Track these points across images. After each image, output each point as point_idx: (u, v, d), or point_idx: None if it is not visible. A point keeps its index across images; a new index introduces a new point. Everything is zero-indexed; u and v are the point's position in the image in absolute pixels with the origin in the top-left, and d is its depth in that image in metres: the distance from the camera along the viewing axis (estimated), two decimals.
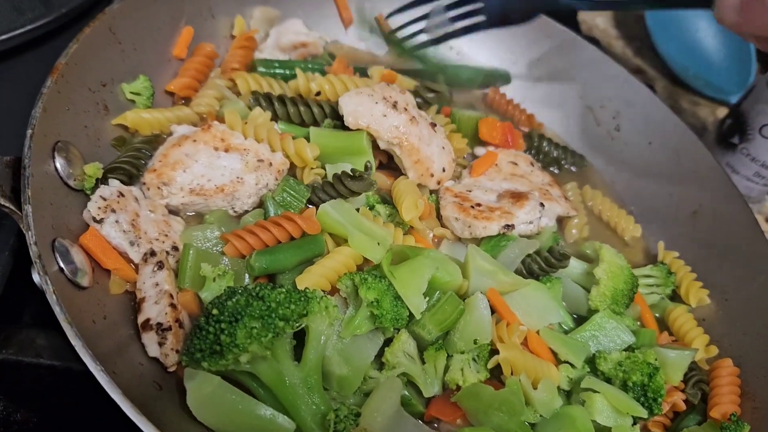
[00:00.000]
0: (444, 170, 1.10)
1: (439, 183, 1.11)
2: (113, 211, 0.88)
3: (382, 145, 1.09)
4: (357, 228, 0.96)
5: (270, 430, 0.79)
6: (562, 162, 1.34)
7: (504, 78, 1.43)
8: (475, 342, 0.91)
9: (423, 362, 0.91)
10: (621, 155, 1.37)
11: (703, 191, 1.26)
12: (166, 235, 0.92)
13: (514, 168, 1.21)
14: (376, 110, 1.07)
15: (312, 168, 1.06)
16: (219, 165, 1.00)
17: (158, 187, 0.96)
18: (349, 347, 0.86)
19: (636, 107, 1.36)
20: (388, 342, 0.90)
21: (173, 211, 0.98)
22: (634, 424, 0.94)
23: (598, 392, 0.93)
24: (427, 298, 0.91)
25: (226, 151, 1.01)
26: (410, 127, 1.08)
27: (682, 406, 1.00)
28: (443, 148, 1.13)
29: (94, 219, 0.86)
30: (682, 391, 1.01)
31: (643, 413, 0.92)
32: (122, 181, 0.94)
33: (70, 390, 0.88)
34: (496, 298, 0.95)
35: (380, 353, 0.89)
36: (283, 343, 0.81)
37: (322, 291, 0.88)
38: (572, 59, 1.41)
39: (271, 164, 1.02)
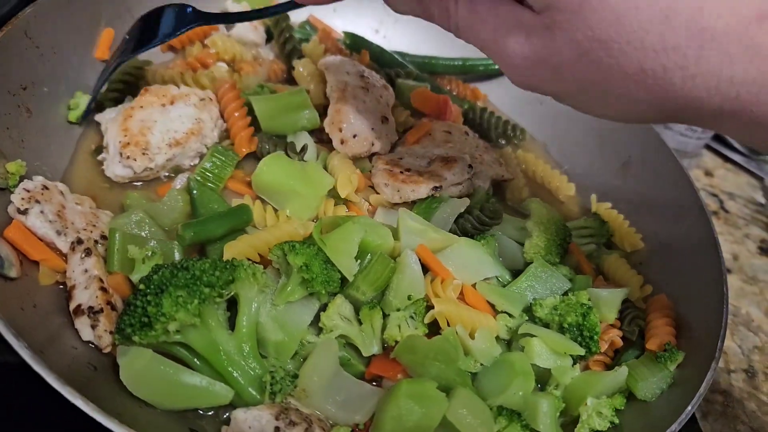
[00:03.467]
0: (354, 137, 1.12)
1: (342, 143, 1.13)
2: (37, 201, 0.88)
3: (327, 91, 1.17)
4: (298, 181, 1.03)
5: (208, 399, 0.80)
6: (510, 135, 1.37)
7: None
8: (409, 298, 0.93)
9: (360, 323, 0.93)
10: (551, 117, 1.40)
11: (631, 143, 1.30)
12: (94, 225, 0.93)
13: (447, 137, 1.24)
14: (343, 67, 1.19)
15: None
16: (174, 116, 1.08)
17: (143, 153, 1.02)
18: (283, 314, 0.87)
19: None
20: (325, 308, 0.92)
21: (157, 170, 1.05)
22: (575, 364, 0.97)
23: (536, 336, 0.95)
24: (359, 261, 0.93)
25: (172, 103, 1.10)
26: (357, 89, 1.16)
27: (620, 343, 1.02)
28: (373, 128, 1.15)
29: (18, 210, 0.87)
30: (620, 328, 1.04)
31: (581, 351, 0.94)
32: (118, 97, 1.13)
33: (5, 385, 0.88)
34: (426, 253, 0.97)
35: (318, 319, 0.91)
36: (213, 312, 0.82)
37: (251, 260, 0.89)
38: None
39: (211, 99, 1.13)
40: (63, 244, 0.88)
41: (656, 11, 0.59)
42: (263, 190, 1.04)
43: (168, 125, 1.06)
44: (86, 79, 1.13)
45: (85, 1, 1.12)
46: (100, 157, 1.06)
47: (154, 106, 1.08)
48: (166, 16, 1.08)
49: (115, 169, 1.03)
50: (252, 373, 0.83)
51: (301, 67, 1.24)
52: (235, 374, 0.81)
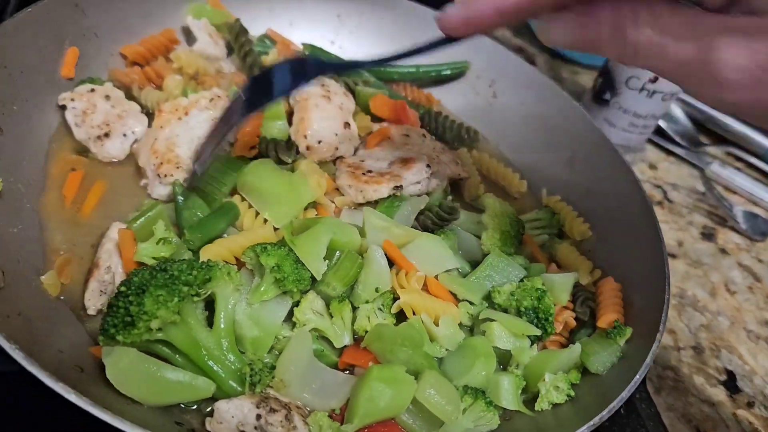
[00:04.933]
0: (319, 143, 1.19)
1: (308, 149, 1.19)
2: (72, 99, 1.15)
3: (291, 101, 1.26)
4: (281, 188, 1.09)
5: (191, 393, 0.84)
6: (464, 136, 1.45)
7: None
8: (377, 290, 0.99)
9: (332, 317, 0.98)
10: (501, 118, 1.48)
11: (575, 139, 1.38)
12: (108, 125, 1.14)
13: (406, 139, 1.31)
14: None
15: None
16: (193, 124, 1.15)
17: (177, 167, 1.09)
18: (258, 311, 0.92)
19: (507, 73, 1.48)
20: (298, 304, 0.97)
21: None
22: (533, 344, 1.04)
23: (495, 321, 1.02)
24: (327, 261, 0.99)
25: (186, 114, 1.16)
26: (319, 98, 1.23)
27: (573, 323, 1.10)
28: (336, 133, 1.21)
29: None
30: (572, 310, 1.11)
31: (537, 332, 1.01)
32: None
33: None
34: (391, 248, 1.03)
35: (292, 315, 0.96)
36: (191, 310, 0.86)
37: (226, 261, 0.95)
38: None
39: (219, 96, 1.20)
40: (78, 133, 1.13)
41: None
42: (247, 189, 1.09)
43: (190, 134, 1.13)
44: (54, 97, 1.16)
45: (49, 22, 1.16)
46: (141, 183, 1.13)
47: (172, 122, 1.14)
48: (280, 73, 0.95)
49: (159, 190, 1.09)
50: (232, 366, 0.88)
51: None
52: (215, 368, 0.86)
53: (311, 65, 0.97)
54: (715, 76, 0.58)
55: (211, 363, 0.86)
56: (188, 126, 1.14)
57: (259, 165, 1.11)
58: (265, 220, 1.06)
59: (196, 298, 0.87)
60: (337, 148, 1.20)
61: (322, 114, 1.20)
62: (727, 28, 0.57)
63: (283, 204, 1.07)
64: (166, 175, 1.08)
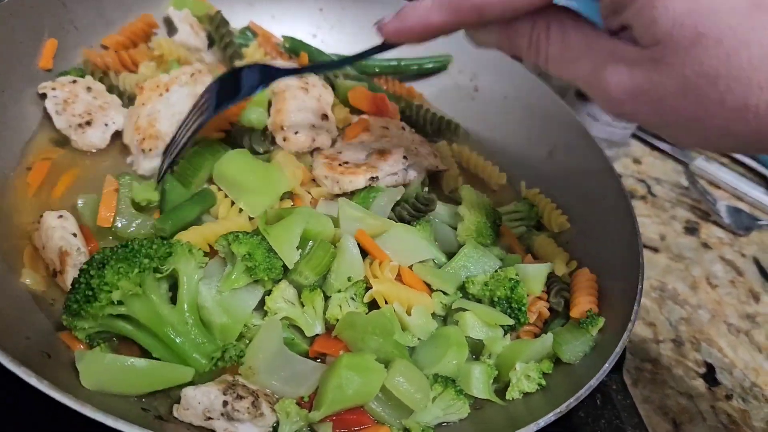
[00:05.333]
0: (296, 133, 1.19)
1: (285, 140, 1.19)
2: (53, 89, 1.15)
3: (268, 93, 1.26)
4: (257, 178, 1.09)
5: (171, 380, 0.85)
6: (444, 129, 1.45)
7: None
8: (349, 279, 0.99)
9: (303, 306, 0.99)
10: (482, 112, 1.49)
11: (555, 132, 1.39)
12: (90, 113, 1.14)
13: (385, 131, 1.31)
14: None
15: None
16: (174, 100, 1.16)
17: (156, 141, 1.10)
18: (228, 299, 0.93)
19: (489, 67, 1.49)
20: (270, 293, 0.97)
21: None
22: (506, 334, 1.04)
23: (468, 310, 1.02)
24: (300, 250, 0.99)
25: (167, 90, 1.17)
26: (297, 90, 1.24)
27: (547, 313, 1.10)
28: (313, 125, 1.22)
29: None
30: (547, 300, 1.12)
31: (510, 321, 1.02)
32: None
33: None
34: (364, 238, 1.03)
35: (264, 304, 0.96)
36: (154, 287, 0.87)
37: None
38: None
39: (200, 71, 1.20)
40: (59, 121, 1.13)
41: (767, 51, 0.61)
42: (223, 180, 1.09)
43: (171, 109, 1.14)
44: (32, 88, 1.16)
45: (28, 13, 1.16)
46: (128, 161, 1.15)
47: (153, 98, 1.16)
48: (249, 73, 1.07)
49: (145, 164, 1.12)
50: (197, 340, 0.88)
51: None
52: (178, 341, 0.86)
53: (275, 69, 1.06)
54: (605, 92, 0.70)
55: (174, 336, 0.86)
56: (169, 102, 1.15)
57: (235, 155, 1.11)
58: (241, 210, 1.07)
59: (158, 275, 0.87)
60: (314, 140, 1.20)
61: (299, 105, 1.21)
62: (615, 53, 0.69)
63: (258, 194, 1.07)
64: (150, 150, 1.09)
